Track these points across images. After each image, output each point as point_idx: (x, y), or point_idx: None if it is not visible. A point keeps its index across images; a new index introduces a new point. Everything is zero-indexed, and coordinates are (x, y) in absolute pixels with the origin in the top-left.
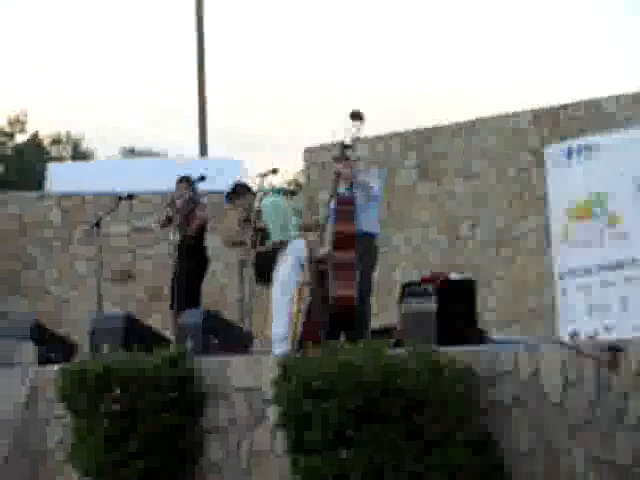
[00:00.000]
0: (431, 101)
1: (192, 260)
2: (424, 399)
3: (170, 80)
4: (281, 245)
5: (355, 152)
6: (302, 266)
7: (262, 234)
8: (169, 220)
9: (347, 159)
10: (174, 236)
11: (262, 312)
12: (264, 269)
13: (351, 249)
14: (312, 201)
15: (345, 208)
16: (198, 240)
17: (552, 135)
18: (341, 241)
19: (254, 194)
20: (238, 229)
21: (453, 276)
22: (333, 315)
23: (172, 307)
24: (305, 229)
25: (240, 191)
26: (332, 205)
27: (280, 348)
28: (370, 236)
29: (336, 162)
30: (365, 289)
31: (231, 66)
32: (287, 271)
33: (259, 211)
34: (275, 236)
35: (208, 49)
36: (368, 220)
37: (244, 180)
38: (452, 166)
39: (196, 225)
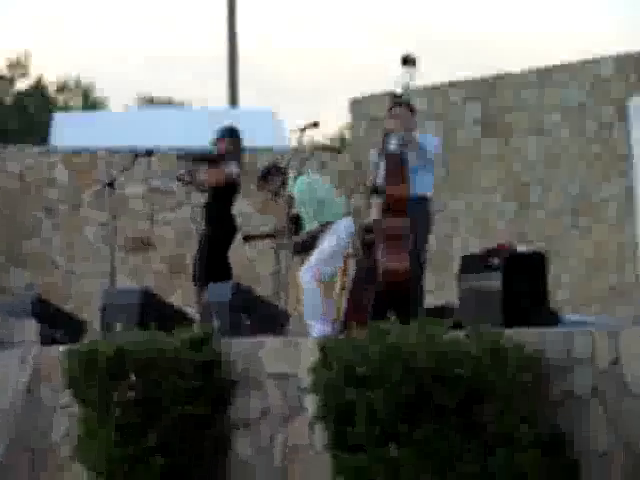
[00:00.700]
0: (496, 46)
1: (217, 226)
2: (486, 390)
3: (196, 22)
4: (321, 230)
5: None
6: (345, 247)
7: (297, 222)
8: (190, 175)
9: (401, 109)
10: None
11: (297, 287)
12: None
13: (403, 215)
14: (358, 159)
15: (396, 167)
16: (223, 202)
17: (638, 85)
18: (392, 205)
19: (285, 174)
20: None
21: (521, 248)
22: (381, 291)
23: (195, 281)
24: (371, 191)
25: (270, 175)
26: (382, 164)
27: (318, 331)
28: (424, 200)
29: (387, 116)
30: (418, 262)
31: (264, 6)
32: (321, 254)
33: (291, 197)
34: (310, 225)
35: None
36: (422, 181)
37: (278, 161)
38: (521, 121)
39: (216, 179)
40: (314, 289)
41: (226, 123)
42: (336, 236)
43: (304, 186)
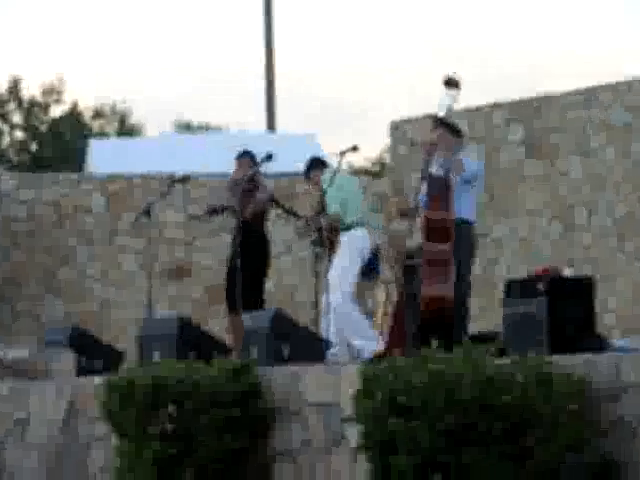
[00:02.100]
0: (541, 66)
1: (251, 252)
2: (532, 418)
3: (233, 45)
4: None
5: (457, 125)
6: (362, 260)
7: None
8: (214, 211)
9: (443, 130)
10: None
11: None
12: None
13: (446, 240)
14: (398, 184)
15: (439, 190)
16: (258, 228)
17: None
18: (434, 230)
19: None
20: (310, 218)
21: (567, 272)
22: (424, 319)
23: (230, 308)
24: (401, 214)
25: (315, 165)
26: (424, 188)
27: (368, 350)
28: (467, 224)
29: (430, 135)
30: (462, 287)
31: (302, 30)
32: (338, 271)
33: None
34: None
35: (277, 10)
36: (465, 205)
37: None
38: (566, 142)
39: (252, 209)
40: (348, 309)
41: (265, 149)
42: (347, 251)
43: (333, 186)
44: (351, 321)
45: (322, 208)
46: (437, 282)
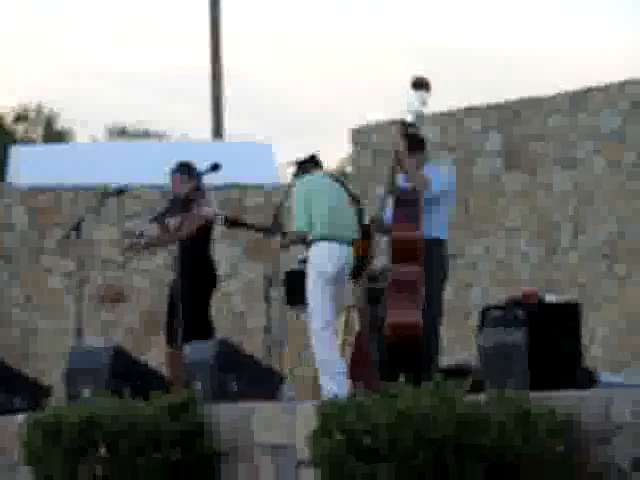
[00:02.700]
0: (520, 67)
1: (194, 274)
2: (512, 461)
3: (175, 42)
4: (304, 241)
5: (419, 133)
6: (330, 280)
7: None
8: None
9: (413, 144)
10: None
11: (295, 345)
12: (295, 284)
13: (415, 261)
14: (362, 195)
15: (407, 205)
16: (200, 247)
17: None
18: (402, 251)
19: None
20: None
21: (550, 298)
22: (389, 348)
23: (170, 340)
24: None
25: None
26: (389, 202)
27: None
28: (437, 242)
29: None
30: (432, 314)
31: (252, 26)
32: (309, 288)
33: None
34: (299, 227)
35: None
36: (434, 221)
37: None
38: (549, 152)
39: (189, 228)
40: (319, 347)
41: (212, 158)
42: (310, 272)
43: (301, 184)
44: (324, 360)
45: (275, 220)
46: (405, 307)
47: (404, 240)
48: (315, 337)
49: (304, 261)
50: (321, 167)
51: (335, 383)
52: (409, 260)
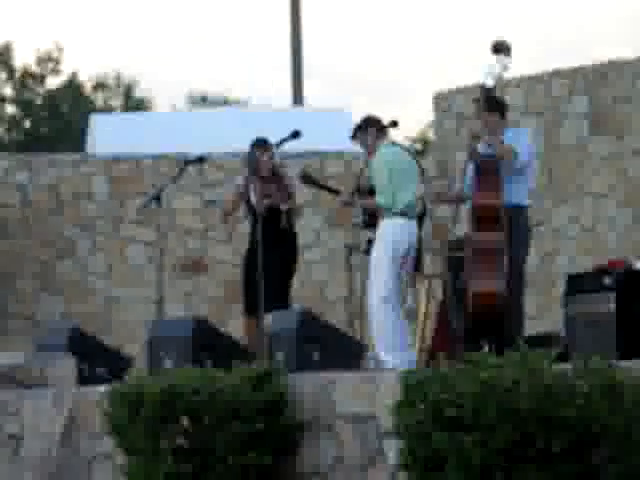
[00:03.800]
0: (606, 29)
1: (284, 249)
2: (600, 432)
3: (254, 9)
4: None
5: (501, 98)
6: (402, 258)
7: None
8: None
9: (492, 105)
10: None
11: None
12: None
13: (497, 229)
14: (444, 164)
15: (489, 173)
16: (288, 223)
17: None
18: (483, 218)
19: (377, 127)
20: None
21: (638, 265)
22: (471, 318)
23: (248, 309)
24: (440, 200)
25: (365, 125)
26: (470, 169)
27: (389, 365)
28: (518, 208)
29: (477, 113)
30: (516, 282)
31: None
32: (375, 268)
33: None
34: (380, 202)
35: None
36: (515, 188)
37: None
38: (636, 115)
39: (294, 202)
40: (381, 316)
41: (291, 125)
42: (383, 243)
43: (380, 157)
44: (383, 331)
45: (358, 188)
46: (487, 277)
47: (486, 207)
48: (377, 308)
49: (370, 241)
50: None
51: (394, 356)
52: (491, 228)
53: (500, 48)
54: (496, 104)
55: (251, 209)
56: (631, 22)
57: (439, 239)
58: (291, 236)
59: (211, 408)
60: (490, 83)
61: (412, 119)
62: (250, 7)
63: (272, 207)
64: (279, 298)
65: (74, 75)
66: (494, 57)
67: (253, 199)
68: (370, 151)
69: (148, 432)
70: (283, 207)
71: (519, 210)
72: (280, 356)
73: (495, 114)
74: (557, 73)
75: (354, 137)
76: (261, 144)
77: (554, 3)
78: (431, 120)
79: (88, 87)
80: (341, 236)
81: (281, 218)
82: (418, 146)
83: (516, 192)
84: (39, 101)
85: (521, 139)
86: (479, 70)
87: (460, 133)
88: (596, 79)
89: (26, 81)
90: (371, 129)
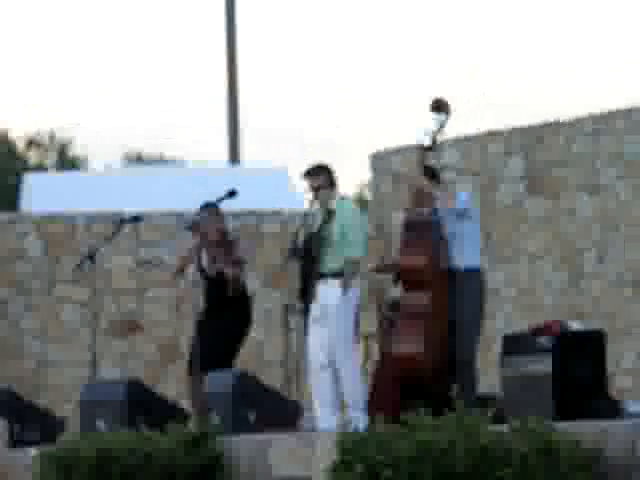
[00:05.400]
0: (542, 91)
1: (235, 313)
2: None
3: (190, 68)
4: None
5: (439, 157)
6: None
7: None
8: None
9: (433, 174)
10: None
11: None
12: None
13: (423, 290)
14: (381, 225)
15: (418, 235)
16: (236, 288)
17: None
18: (409, 281)
19: (332, 178)
20: (282, 261)
21: (575, 326)
22: (398, 382)
23: (191, 371)
24: (377, 270)
25: (321, 172)
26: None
27: (323, 420)
28: (473, 271)
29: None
30: (466, 345)
31: (266, 55)
32: (352, 322)
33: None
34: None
35: (240, 27)
36: (467, 249)
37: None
38: (572, 176)
39: (237, 273)
40: (323, 372)
41: (228, 184)
42: (350, 307)
43: (352, 210)
44: (356, 390)
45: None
46: (408, 341)
47: (410, 269)
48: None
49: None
50: None
51: (330, 412)
52: (418, 288)
53: (439, 106)
54: (432, 173)
55: (203, 273)
56: (566, 84)
57: (376, 300)
58: (243, 300)
59: (146, 471)
60: (427, 142)
61: (349, 178)
62: (187, 67)
63: (221, 272)
64: (223, 362)
65: (5, 133)
66: (432, 115)
67: (205, 263)
68: (317, 197)
69: None
70: (227, 272)
71: (473, 272)
72: (216, 417)
73: (435, 184)
74: (493, 134)
75: (308, 175)
76: (211, 207)
77: (491, 64)
78: (367, 181)
79: (20, 145)
80: (277, 297)
81: (227, 284)
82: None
83: (467, 253)
84: None
85: (461, 194)
86: (416, 129)
87: (397, 193)
88: (532, 141)
89: None
90: (325, 177)
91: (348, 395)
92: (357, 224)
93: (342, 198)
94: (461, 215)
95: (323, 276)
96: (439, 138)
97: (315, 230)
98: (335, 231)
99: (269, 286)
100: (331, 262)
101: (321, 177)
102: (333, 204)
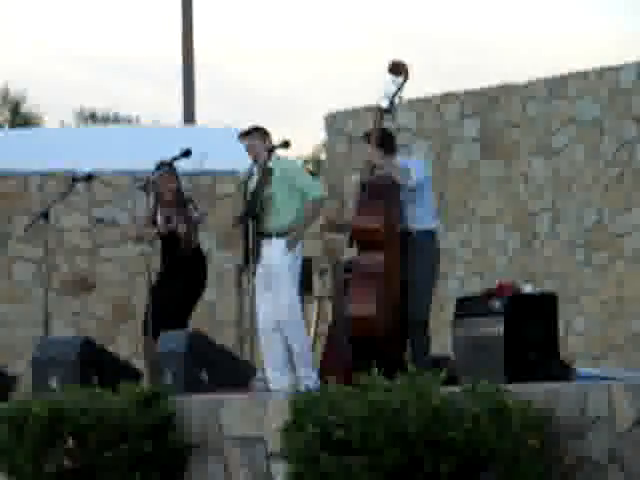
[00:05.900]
0: (498, 53)
1: (190, 275)
2: (487, 455)
3: (145, 26)
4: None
5: (395, 120)
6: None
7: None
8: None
9: (389, 136)
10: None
11: None
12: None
13: (377, 251)
14: (335, 186)
15: (373, 196)
16: (195, 248)
17: None
18: (362, 242)
19: (269, 140)
20: (233, 221)
21: (527, 289)
22: (353, 342)
23: (146, 330)
24: (329, 229)
25: (258, 133)
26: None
27: (275, 381)
28: (426, 233)
29: (368, 141)
30: (418, 306)
31: (224, 11)
32: (297, 282)
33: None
34: (283, 209)
35: None
36: (420, 211)
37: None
38: (526, 139)
39: (194, 236)
40: (274, 333)
41: (182, 143)
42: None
43: (288, 162)
44: (303, 350)
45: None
46: (361, 301)
47: (364, 231)
48: (299, 329)
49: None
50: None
51: (280, 372)
52: (372, 250)
53: (397, 68)
54: (387, 140)
55: (157, 233)
56: (522, 46)
57: (331, 261)
58: (198, 260)
59: (97, 430)
60: (384, 104)
61: (305, 139)
62: (142, 24)
63: (174, 231)
64: (177, 322)
65: None
66: (390, 77)
67: (159, 222)
68: (255, 158)
69: (33, 454)
70: (180, 229)
71: (426, 234)
72: (169, 377)
73: (391, 151)
74: (449, 96)
75: (243, 136)
76: (165, 167)
77: (446, 26)
78: (322, 142)
79: None
80: (230, 258)
81: (179, 243)
82: (310, 167)
83: (419, 215)
84: None
85: (410, 163)
86: (373, 91)
87: (352, 155)
88: (487, 103)
89: None
90: (261, 139)
91: (298, 355)
92: (300, 170)
93: (278, 158)
94: (413, 191)
95: (267, 236)
96: (397, 100)
97: (253, 190)
98: (279, 190)
99: (222, 247)
100: (274, 222)
101: (256, 137)
102: (270, 164)
